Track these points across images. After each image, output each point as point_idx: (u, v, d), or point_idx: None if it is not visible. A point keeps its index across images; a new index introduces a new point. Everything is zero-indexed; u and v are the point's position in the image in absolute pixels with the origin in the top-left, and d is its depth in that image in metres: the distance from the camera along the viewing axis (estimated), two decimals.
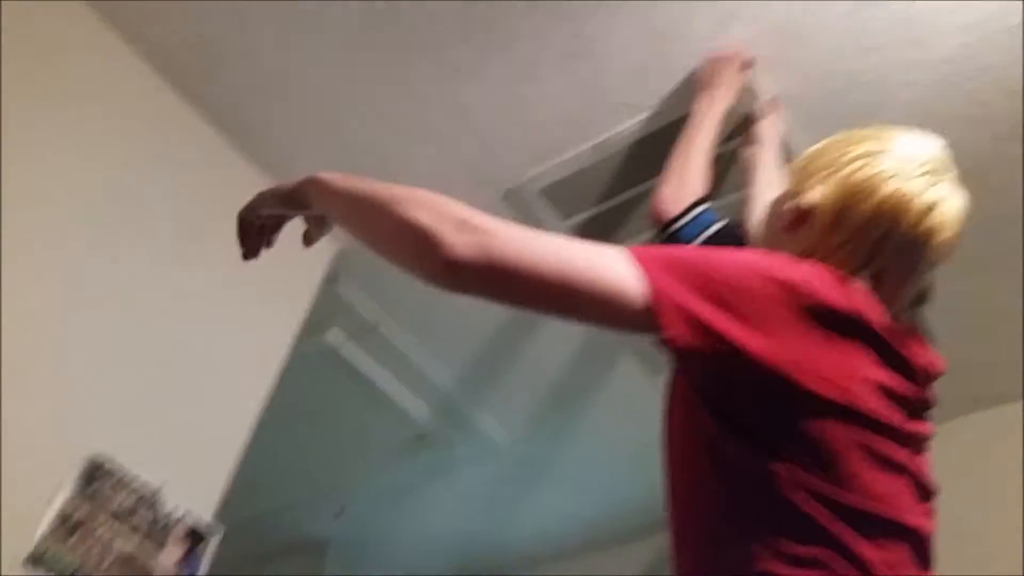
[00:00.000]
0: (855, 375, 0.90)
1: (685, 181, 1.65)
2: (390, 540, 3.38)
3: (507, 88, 1.94)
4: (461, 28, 1.84)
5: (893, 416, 0.92)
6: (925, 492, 0.97)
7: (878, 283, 0.99)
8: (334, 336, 2.60)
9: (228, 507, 1.98)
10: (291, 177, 1.07)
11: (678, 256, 0.94)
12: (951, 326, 2.25)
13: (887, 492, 0.90)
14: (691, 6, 1.76)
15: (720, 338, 0.87)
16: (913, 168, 1.03)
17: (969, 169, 1.93)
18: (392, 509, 3.25)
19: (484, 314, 2.48)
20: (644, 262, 0.90)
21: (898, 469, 0.92)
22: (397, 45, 1.89)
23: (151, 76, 2.09)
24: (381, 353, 2.66)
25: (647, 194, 2.07)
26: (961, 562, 2.27)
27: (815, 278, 0.93)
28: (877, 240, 1.01)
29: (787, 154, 1.95)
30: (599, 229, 2.19)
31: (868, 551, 0.86)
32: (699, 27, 1.79)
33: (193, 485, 1.92)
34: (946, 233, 1.03)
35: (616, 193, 2.12)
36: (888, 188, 1.01)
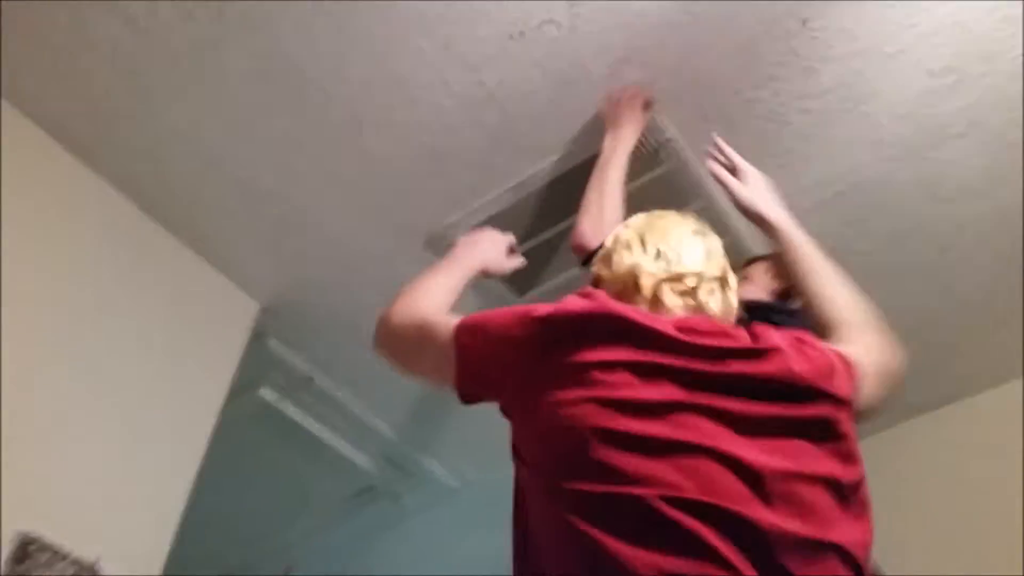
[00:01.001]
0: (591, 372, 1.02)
1: (603, 214, 1.69)
2: None
3: (415, 137, 1.96)
4: (366, 82, 1.86)
5: (656, 390, 1.00)
6: (751, 475, 0.95)
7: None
8: (267, 393, 2.58)
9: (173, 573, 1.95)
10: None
11: (475, 318, 1.16)
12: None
13: (650, 475, 0.93)
14: (585, 54, 1.80)
15: (486, 384, 1.13)
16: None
17: (869, 188, 2.04)
18: (344, 563, 3.20)
19: None
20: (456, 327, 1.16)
21: (671, 448, 0.95)
22: (300, 99, 1.91)
23: (45, 139, 2.02)
24: (319, 406, 2.64)
25: (567, 232, 2.10)
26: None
27: (564, 301, 1.12)
28: None
29: (699, 185, 2.02)
30: (523, 269, 2.21)
31: (625, 550, 0.89)
32: (594, 72, 1.83)
33: (132, 555, 1.89)
34: None
35: (536, 233, 2.15)
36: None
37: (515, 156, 2.00)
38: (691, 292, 1.16)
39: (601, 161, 1.79)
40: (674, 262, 1.18)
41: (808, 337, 1.16)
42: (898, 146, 1.95)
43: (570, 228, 2.02)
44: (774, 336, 1.10)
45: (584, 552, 0.91)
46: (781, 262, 1.84)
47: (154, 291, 2.15)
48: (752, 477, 0.94)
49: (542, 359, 1.06)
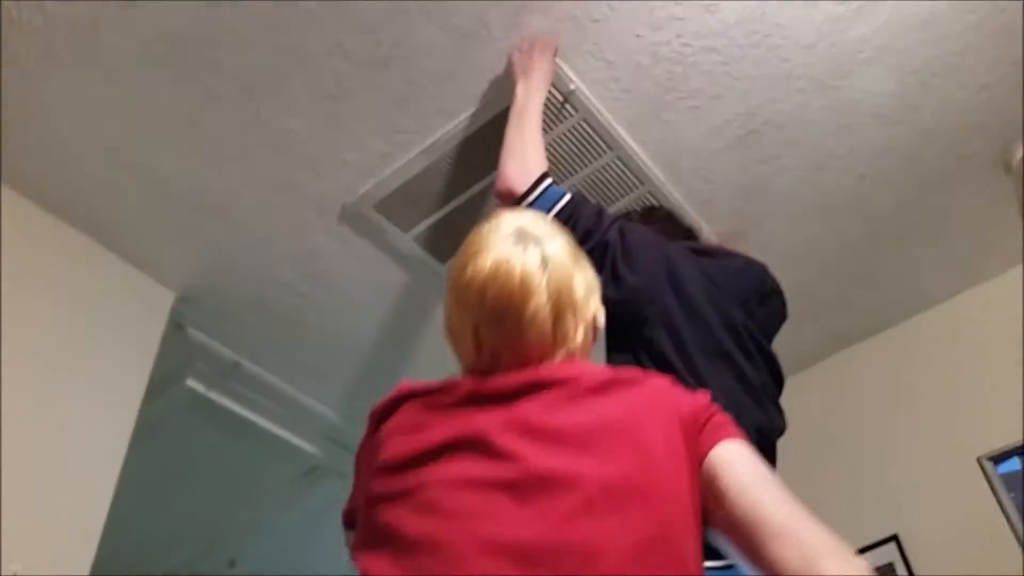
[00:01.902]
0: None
1: (526, 157, 1.65)
2: None
3: (315, 105, 1.88)
4: (257, 51, 1.78)
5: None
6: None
7: None
8: (194, 383, 2.50)
9: None
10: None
11: None
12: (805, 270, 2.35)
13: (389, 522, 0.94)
14: (482, 5, 1.74)
15: None
16: None
17: (782, 123, 2.02)
18: (295, 546, 3.16)
19: (354, 334, 2.43)
20: None
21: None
22: (192, 76, 1.81)
23: None
24: (251, 392, 2.57)
25: (487, 191, 2.06)
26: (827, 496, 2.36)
27: None
28: None
29: (610, 134, 1.98)
30: (444, 234, 2.16)
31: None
32: (495, 25, 1.77)
33: (56, 562, 1.81)
34: None
35: (455, 195, 2.10)
36: None
37: (423, 117, 1.93)
38: None
39: (516, 109, 1.74)
40: None
41: None
42: (807, 78, 1.93)
43: (490, 186, 1.97)
44: None
45: None
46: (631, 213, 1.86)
47: (61, 290, 2.05)
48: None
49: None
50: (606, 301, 1.40)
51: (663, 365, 1.36)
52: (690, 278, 1.46)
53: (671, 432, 0.95)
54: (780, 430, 1.46)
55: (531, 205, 1.58)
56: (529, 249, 1.04)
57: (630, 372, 1.03)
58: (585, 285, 1.07)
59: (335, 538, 3.30)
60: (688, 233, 1.83)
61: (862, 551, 2.33)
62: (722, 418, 1.00)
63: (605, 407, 0.96)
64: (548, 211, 1.55)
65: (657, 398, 0.99)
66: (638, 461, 0.91)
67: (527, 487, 0.89)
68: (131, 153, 1.96)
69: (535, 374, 0.99)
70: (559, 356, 1.03)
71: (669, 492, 0.91)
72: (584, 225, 1.50)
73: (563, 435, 0.93)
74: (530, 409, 0.96)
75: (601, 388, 0.98)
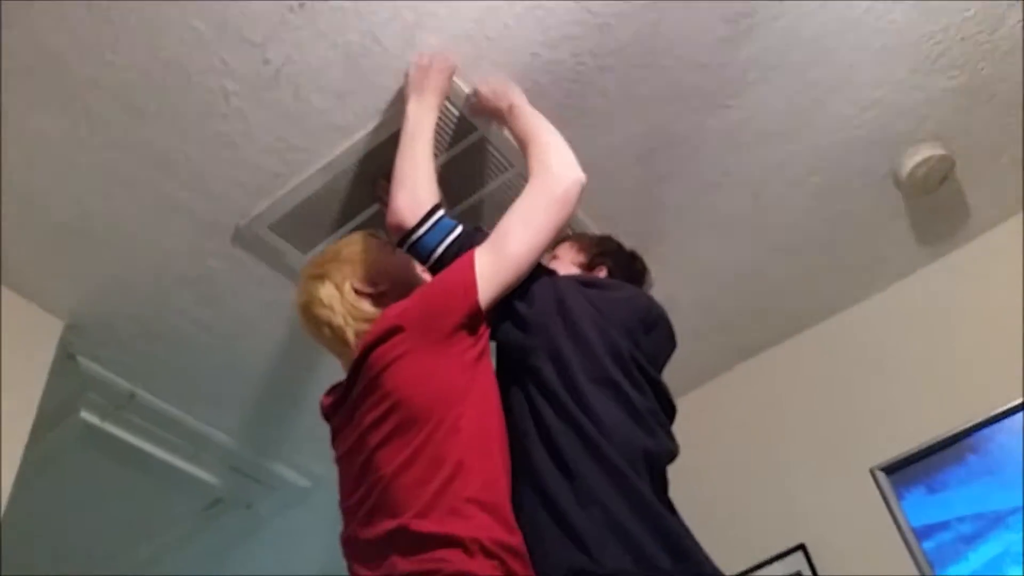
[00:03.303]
0: None
1: (417, 187, 1.60)
2: None
3: (202, 125, 1.82)
4: (139, 69, 1.71)
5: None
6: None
7: None
8: (88, 415, 2.39)
9: None
10: None
11: None
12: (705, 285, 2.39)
13: None
14: (375, 23, 1.71)
15: None
16: None
17: (677, 141, 2.05)
18: None
19: (253, 358, 2.35)
20: None
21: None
22: (70, 95, 1.74)
23: None
24: (147, 423, 2.46)
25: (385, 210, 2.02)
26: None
27: None
28: None
29: (510, 152, 1.97)
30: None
31: None
32: (388, 42, 1.75)
33: None
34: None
35: (355, 214, 2.05)
36: None
37: (318, 136, 1.88)
38: None
39: (408, 130, 1.70)
40: None
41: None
42: (700, 96, 1.96)
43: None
44: None
45: None
46: (583, 237, 1.87)
47: None
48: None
49: None
50: (497, 332, 1.40)
51: (548, 394, 1.36)
52: (578, 309, 1.46)
53: None
54: (671, 455, 1.46)
55: (422, 238, 1.55)
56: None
57: None
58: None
59: (243, 572, 3.20)
60: (633, 256, 1.84)
61: (771, 560, 2.36)
62: None
63: None
64: (439, 244, 1.53)
65: None
66: None
67: None
68: (7, 176, 1.86)
69: None
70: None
71: None
72: None
73: None
74: None
75: None
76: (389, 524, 1.24)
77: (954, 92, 2.06)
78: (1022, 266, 2.33)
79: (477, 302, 1.38)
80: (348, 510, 1.40)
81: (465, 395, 1.33)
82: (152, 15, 1.63)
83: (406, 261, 1.65)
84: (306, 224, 2.03)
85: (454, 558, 1.16)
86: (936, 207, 2.32)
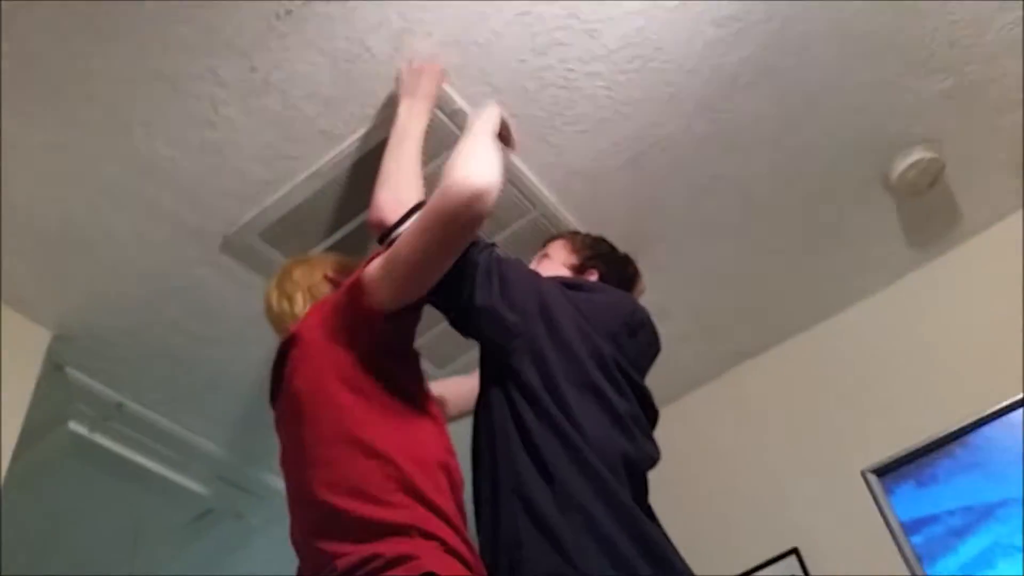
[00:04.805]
0: None
1: (400, 186, 1.60)
2: None
3: (191, 133, 1.81)
4: (127, 77, 1.70)
5: None
6: None
7: None
8: (77, 426, 2.37)
9: None
10: None
11: None
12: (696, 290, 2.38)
13: None
14: (362, 29, 1.71)
15: None
16: None
17: (667, 146, 2.05)
18: None
19: (244, 368, 2.33)
20: None
21: None
22: (57, 102, 1.72)
23: None
24: (136, 434, 2.44)
25: None
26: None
27: None
28: None
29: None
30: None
31: None
32: (376, 49, 1.74)
33: None
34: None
35: (346, 221, 2.04)
36: None
37: (305, 144, 1.87)
38: None
39: (397, 132, 1.70)
40: None
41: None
42: (690, 101, 1.95)
43: None
44: None
45: None
46: (576, 237, 1.85)
47: None
48: None
49: None
50: (478, 330, 1.39)
51: (530, 397, 1.35)
52: (561, 312, 1.46)
53: None
54: (652, 460, 1.46)
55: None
56: None
57: None
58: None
59: None
60: (626, 260, 1.84)
61: (765, 565, 2.36)
62: None
63: None
64: None
65: None
66: None
67: None
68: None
69: None
70: None
71: None
72: None
73: None
74: None
75: None
76: None
77: (943, 95, 2.06)
78: (1012, 269, 2.34)
79: (366, 304, 1.43)
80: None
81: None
82: (138, 23, 1.62)
83: None
84: (296, 232, 2.02)
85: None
86: (926, 210, 2.33)
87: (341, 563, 1.20)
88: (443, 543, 1.23)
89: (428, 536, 1.22)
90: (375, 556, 1.17)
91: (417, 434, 1.38)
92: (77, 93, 1.71)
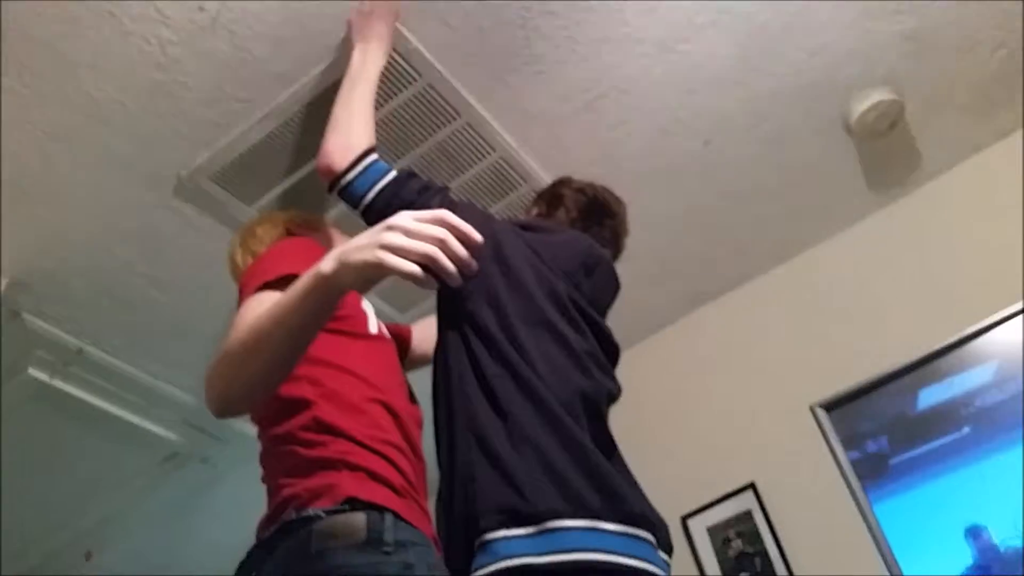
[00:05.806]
0: None
1: (351, 131, 1.60)
2: (167, 566, 3.16)
3: (139, 75, 1.76)
4: (70, 19, 1.65)
5: None
6: None
7: None
8: (37, 372, 2.35)
9: None
10: None
11: None
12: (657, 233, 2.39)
13: None
14: None
15: None
16: None
17: (626, 88, 2.02)
18: (162, 535, 3.04)
19: (202, 312, 2.32)
20: None
21: None
22: (2, 48, 1.68)
23: None
24: (98, 379, 2.43)
25: None
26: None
27: None
28: None
29: (456, 100, 1.94)
30: (294, 205, 2.07)
31: None
32: None
33: None
34: None
35: (302, 164, 2.01)
36: None
37: (256, 85, 1.84)
38: None
39: (350, 76, 1.69)
40: None
41: None
42: (648, 42, 1.93)
43: None
44: None
45: None
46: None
47: None
48: None
49: None
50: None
51: (485, 337, 1.36)
52: (515, 253, 1.46)
53: None
54: (611, 396, 1.47)
55: (352, 183, 1.54)
56: None
57: None
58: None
59: (201, 527, 3.21)
60: (604, 207, 1.80)
61: (723, 499, 2.42)
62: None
63: None
64: (369, 189, 1.52)
65: None
66: None
67: None
68: None
69: None
70: None
71: None
72: (405, 199, 1.50)
73: None
74: None
75: None
76: None
77: (903, 36, 2.05)
78: (971, 212, 2.36)
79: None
80: None
81: None
82: None
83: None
84: (249, 175, 2.00)
85: None
86: (887, 152, 2.33)
87: (285, 492, 1.35)
88: (369, 472, 1.33)
89: (354, 468, 1.33)
90: (306, 489, 1.32)
91: (345, 382, 1.46)
92: (23, 38, 1.66)
